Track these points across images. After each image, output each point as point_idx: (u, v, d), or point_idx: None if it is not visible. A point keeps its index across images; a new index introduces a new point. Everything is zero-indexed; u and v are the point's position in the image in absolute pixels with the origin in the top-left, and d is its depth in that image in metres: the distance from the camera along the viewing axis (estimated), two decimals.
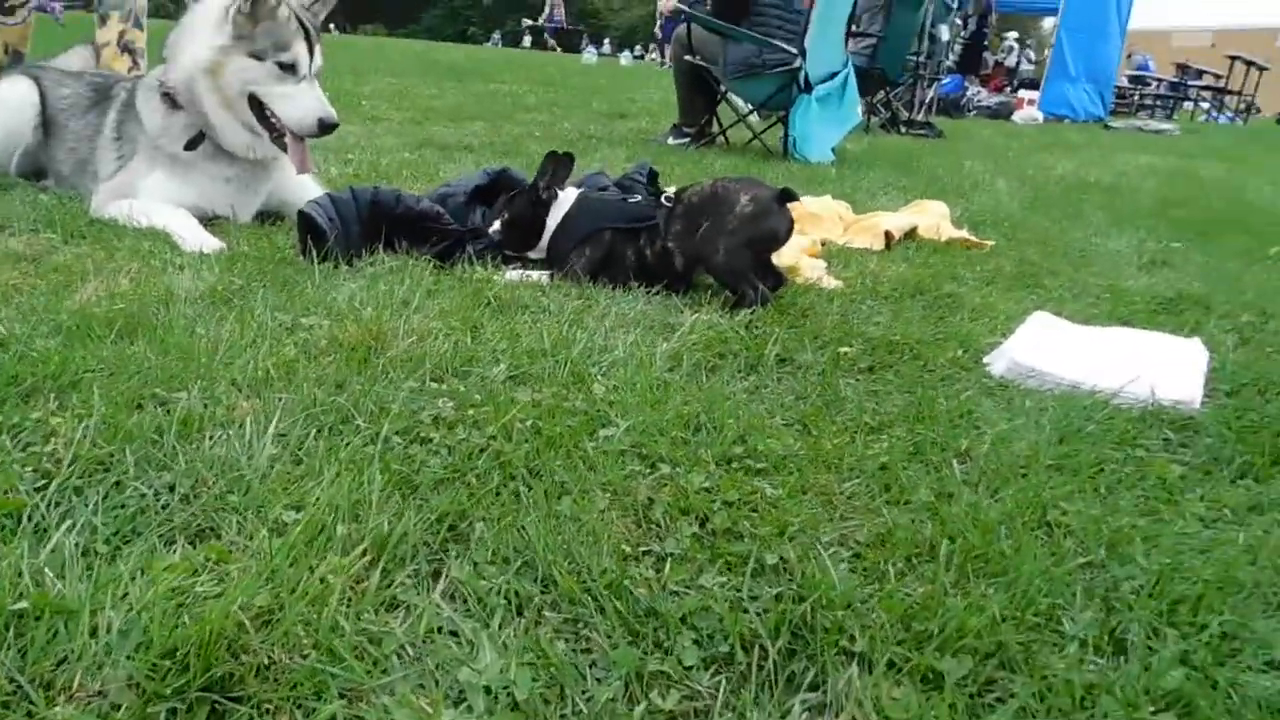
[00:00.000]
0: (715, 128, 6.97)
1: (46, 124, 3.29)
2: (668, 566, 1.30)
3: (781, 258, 3.18)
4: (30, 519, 1.24)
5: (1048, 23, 17.64)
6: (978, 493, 1.59)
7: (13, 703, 0.96)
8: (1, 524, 1.24)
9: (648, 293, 2.63)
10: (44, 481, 1.33)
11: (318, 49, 2.95)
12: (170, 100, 2.94)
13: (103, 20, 4.20)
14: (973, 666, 1.13)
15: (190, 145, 2.96)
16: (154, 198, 2.91)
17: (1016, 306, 2.82)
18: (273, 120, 2.92)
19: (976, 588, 1.29)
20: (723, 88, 6.79)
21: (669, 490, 1.51)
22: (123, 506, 1.30)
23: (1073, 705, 1.09)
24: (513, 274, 2.65)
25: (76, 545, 1.20)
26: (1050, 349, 2.32)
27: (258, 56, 2.84)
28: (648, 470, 1.57)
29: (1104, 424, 1.93)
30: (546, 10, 37.35)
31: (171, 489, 1.36)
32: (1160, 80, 21.83)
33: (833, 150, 6.63)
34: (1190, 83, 21.39)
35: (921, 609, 1.23)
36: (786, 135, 6.43)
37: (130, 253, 2.57)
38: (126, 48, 4.20)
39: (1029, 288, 3.13)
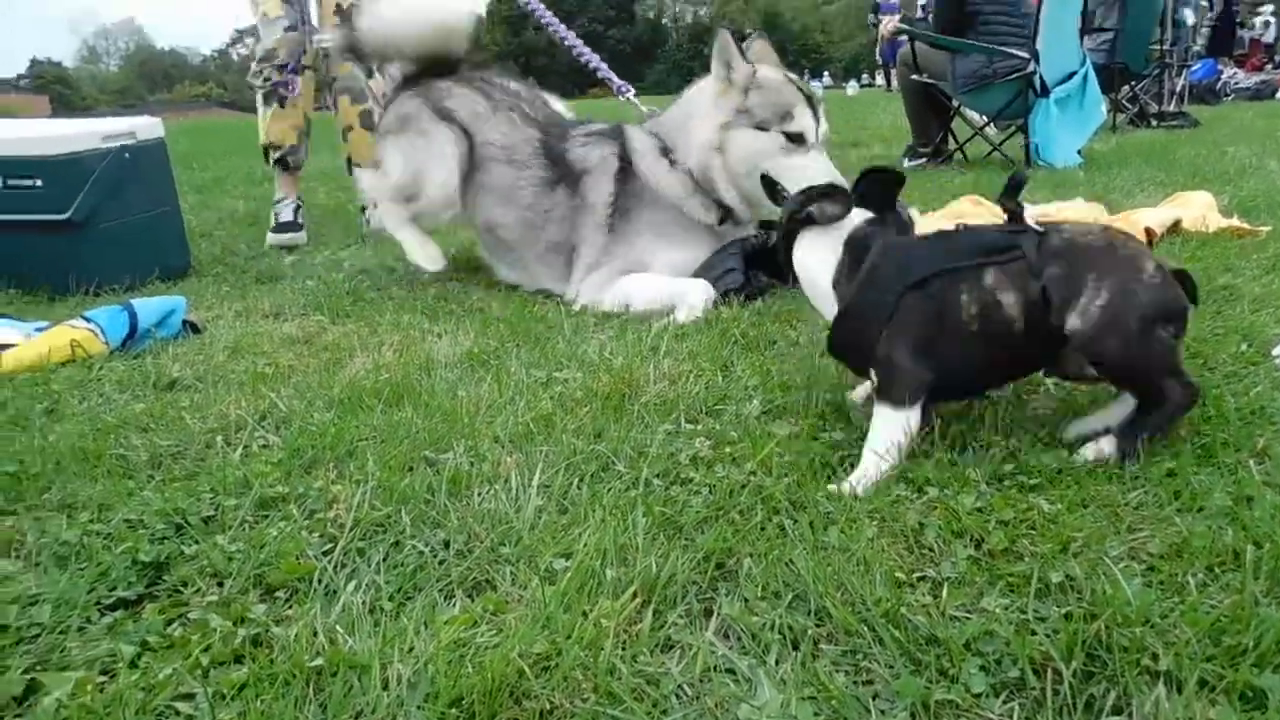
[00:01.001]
0: (951, 144, 6.74)
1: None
2: (945, 591, 1.23)
3: None
4: (320, 581, 1.31)
5: None
6: None
7: None
8: (295, 587, 1.31)
9: None
10: (329, 545, 1.40)
11: (822, 113, 2.76)
12: (686, 177, 2.84)
13: (335, 107, 4.35)
14: None
15: (722, 221, 2.88)
16: (666, 270, 2.82)
17: None
18: (782, 195, 2.67)
19: None
20: (955, 103, 6.57)
21: (939, 513, 1.44)
22: (403, 564, 1.35)
23: None
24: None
25: (363, 603, 1.25)
26: None
27: (761, 128, 2.69)
28: (915, 495, 1.51)
29: None
30: None
31: (447, 545, 1.40)
32: None
33: (1079, 153, 6.26)
34: None
35: (1232, 621, 1.12)
36: (1028, 143, 6.14)
37: (391, 327, 2.71)
38: (367, 117, 4.31)
39: None
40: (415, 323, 2.73)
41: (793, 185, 2.57)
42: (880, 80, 28.69)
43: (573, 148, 3.06)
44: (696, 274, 2.83)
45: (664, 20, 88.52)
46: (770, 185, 2.73)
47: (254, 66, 4.20)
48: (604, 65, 3.59)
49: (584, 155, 3.03)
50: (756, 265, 2.86)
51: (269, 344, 2.56)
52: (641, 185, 2.88)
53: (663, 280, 2.74)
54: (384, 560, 1.36)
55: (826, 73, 43.62)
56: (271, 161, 4.33)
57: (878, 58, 26.69)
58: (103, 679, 1.12)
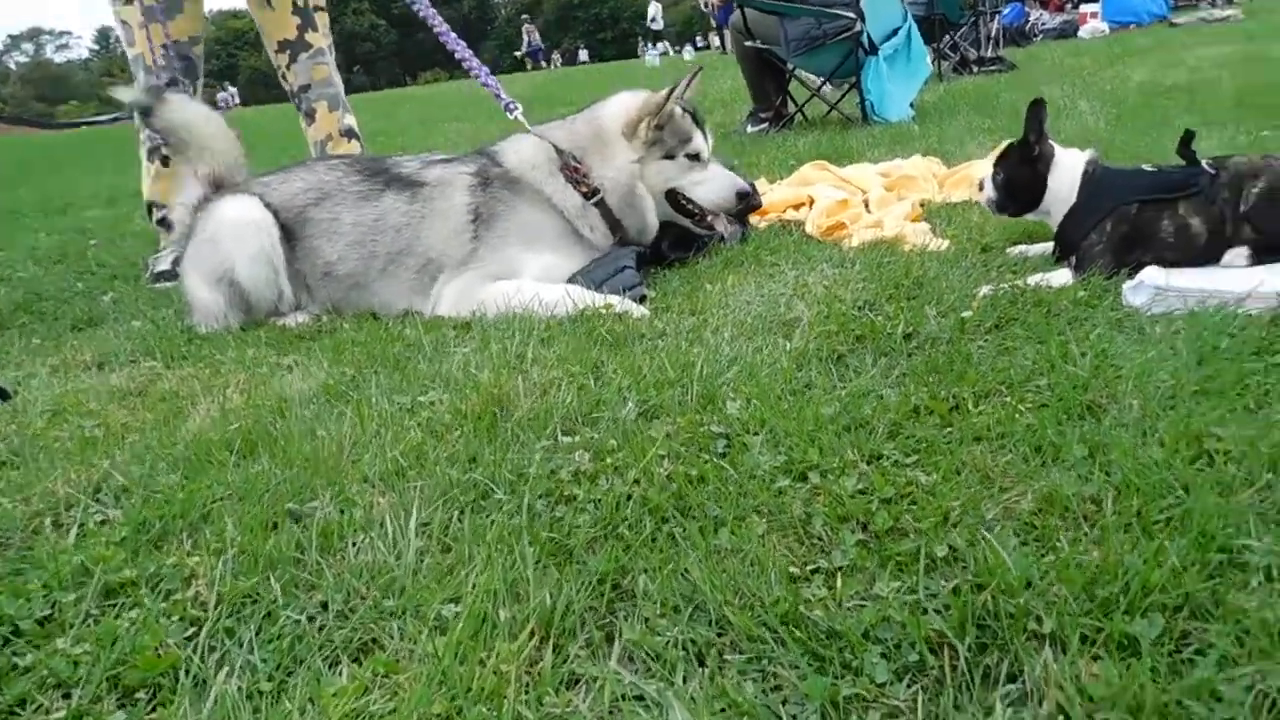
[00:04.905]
0: (790, 107, 6.82)
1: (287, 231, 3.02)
2: (839, 581, 1.25)
3: (884, 229, 3.07)
4: (187, 672, 1.18)
5: None
6: (1130, 434, 1.54)
7: None
8: (158, 684, 1.18)
9: (758, 291, 2.56)
10: (193, 630, 1.27)
11: (709, 132, 3.18)
12: (588, 194, 2.98)
13: (310, 116, 3.97)
14: (1165, 624, 1.09)
15: (621, 242, 3.05)
16: (541, 279, 2.82)
17: None
18: (690, 207, 3.12)
19: (1152, 539, 1.24)
20: (790, 66, 6.64)
21: (823, 500, 1.46)
22: (278, 638, 1.24)
23: (1272, 644, 1.04)
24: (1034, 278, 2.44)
25: (239, 690, 1.14)
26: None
27: (669, 156, 3.05)
28: (798, 483, 1.52)
29: (1237, 336, 1.90)
30: (525, 39, 38.97)
31: (325, 607, 1.30)
32: None
33: (911, 105, 6.43)
34: None
35: (1101, 573, 1.18)
36: (862, 101, 6.26)
37: (235, 365, 2.49)
38: (349, 133, 4.01)
39: None
40: (262, 357, 2.52)
41: (700, 195, 3.10)
42: (716, 42, 29.03)
43: (400, 164, 3.08)
44: (584, 276, 2.86)
45: None
46: (675, 198, 3.10)
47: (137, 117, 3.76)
48: (492, 80, 3.53)
49: (419, 170, 3.03)
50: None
51: (95, 401, 2.30)
52: (509, 194, 2.95)
53: (587, 296, 2.68)
54: (257, 636, 1.25)
55: (663, 41, 43.86)
56: (153, 221, 3.98)
57: (712, 20, 27.11)
58: None
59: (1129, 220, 2.41)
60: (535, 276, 2.82)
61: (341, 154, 3.75)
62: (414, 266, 2.91)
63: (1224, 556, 1.20)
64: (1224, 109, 4.96)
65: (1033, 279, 2.38)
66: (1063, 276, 2.40)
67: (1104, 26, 14.89)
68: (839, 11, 6.06)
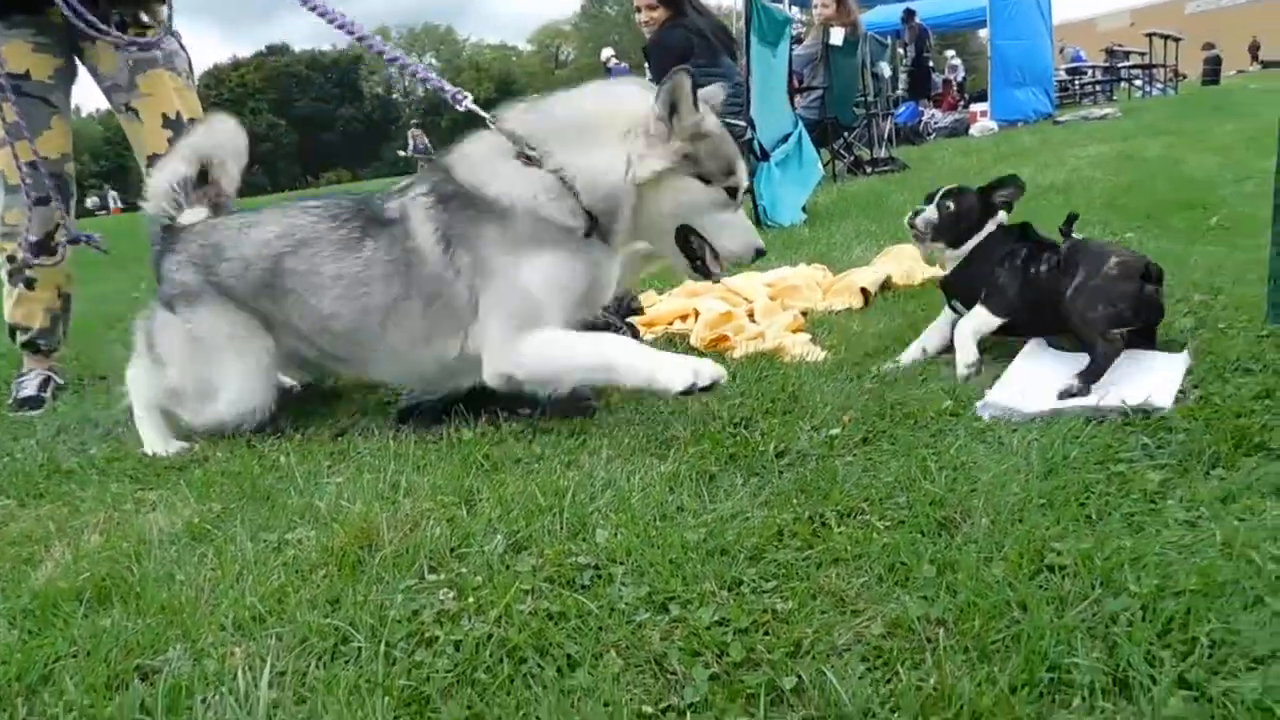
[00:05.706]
0: None
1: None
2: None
3: (765, 341, 3.15)
4: None
5: (984, 33, 17.88)
6: (981, 548, 1.61)
7: None
8: None
9: (638, 410, 2.61)
10: None
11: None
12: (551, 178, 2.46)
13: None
14: None
15: (588, 233, 2.50)
16: (551, 299, 2.44)
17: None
18: (695, 245, 2.56)
19: (987, 662, 1.31)
20: None
21: (680, 632, 1.47)
22: None
23: None
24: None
25: None
26: (1034, 383, 2.41)
27: (705, 179, 2.45)
28: (658, 615, 1.53)
29: (1086, 444, 2.01)
30: (411, 143, 40.16)
31: None
32: (1094, 67, 22.70)
33: (803, 209, 6.62)
34: (1120, 65, 22.12)
35: (935, 700, 1.24)
36: (755, 205, 6.44)
37: (95, 503, 2.33)
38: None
39: None
40: (125, 493, 2.38)
41: (720, 241, 2.52)
42: None
43: (375, 199, 2.73)
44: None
45: (394, 95, 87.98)
46: (685, 237, 2.56)
47: None
48: (433, 76, 3.03)
49: (386, 202, 2.67)
50: None
51: None
52: (478, 203, 2.50)
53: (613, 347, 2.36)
54: None
55: None
56: (19, 344, 3.69)
57: None
58: None
59: (1019, 258, 2.72)
60: (542, 295, 2.45)
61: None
62: (417, 317, 2.59)
63: (1053, 675, 1.26)
64: (1095, 209, 5.21)
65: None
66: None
67: (993, 125, 15.48)
68: (730, 120, 6.23)
